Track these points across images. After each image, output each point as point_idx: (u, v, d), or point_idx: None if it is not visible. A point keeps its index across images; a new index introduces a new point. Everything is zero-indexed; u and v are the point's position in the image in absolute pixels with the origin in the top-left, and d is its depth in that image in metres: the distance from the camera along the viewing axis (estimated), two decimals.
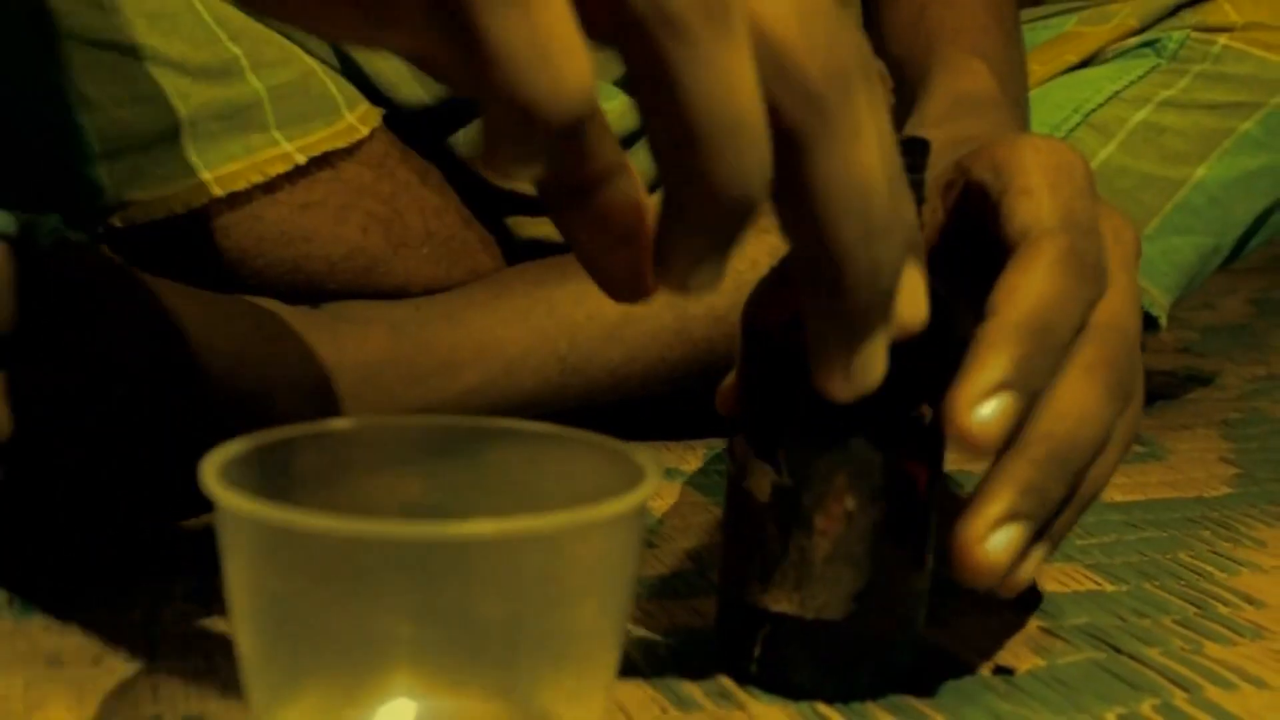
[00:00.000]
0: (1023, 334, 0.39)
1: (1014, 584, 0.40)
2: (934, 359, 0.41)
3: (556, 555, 0.32)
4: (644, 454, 0.35)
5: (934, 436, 0.42)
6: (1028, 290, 0.39)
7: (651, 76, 0.28)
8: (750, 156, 0.29)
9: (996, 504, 0.39)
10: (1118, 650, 0.47)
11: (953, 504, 0.60)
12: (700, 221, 0.30)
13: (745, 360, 0.42)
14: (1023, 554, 0.39)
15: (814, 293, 0.34)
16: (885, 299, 0.34)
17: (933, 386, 0.41)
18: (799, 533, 0.41)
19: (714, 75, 0.28)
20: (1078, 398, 0.40)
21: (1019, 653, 0.46)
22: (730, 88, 0.28)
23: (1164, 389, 0.99)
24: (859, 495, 0.40)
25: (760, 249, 0.62)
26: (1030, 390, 0.39)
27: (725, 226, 0.30)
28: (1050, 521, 0.41)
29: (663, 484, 0.66)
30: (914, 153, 0.41)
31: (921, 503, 0.41)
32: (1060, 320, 0.40)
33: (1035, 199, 0.42)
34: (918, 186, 0.41)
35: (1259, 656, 0.47)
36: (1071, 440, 0.40)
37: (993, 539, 0.38)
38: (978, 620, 0.49)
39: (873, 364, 0.35)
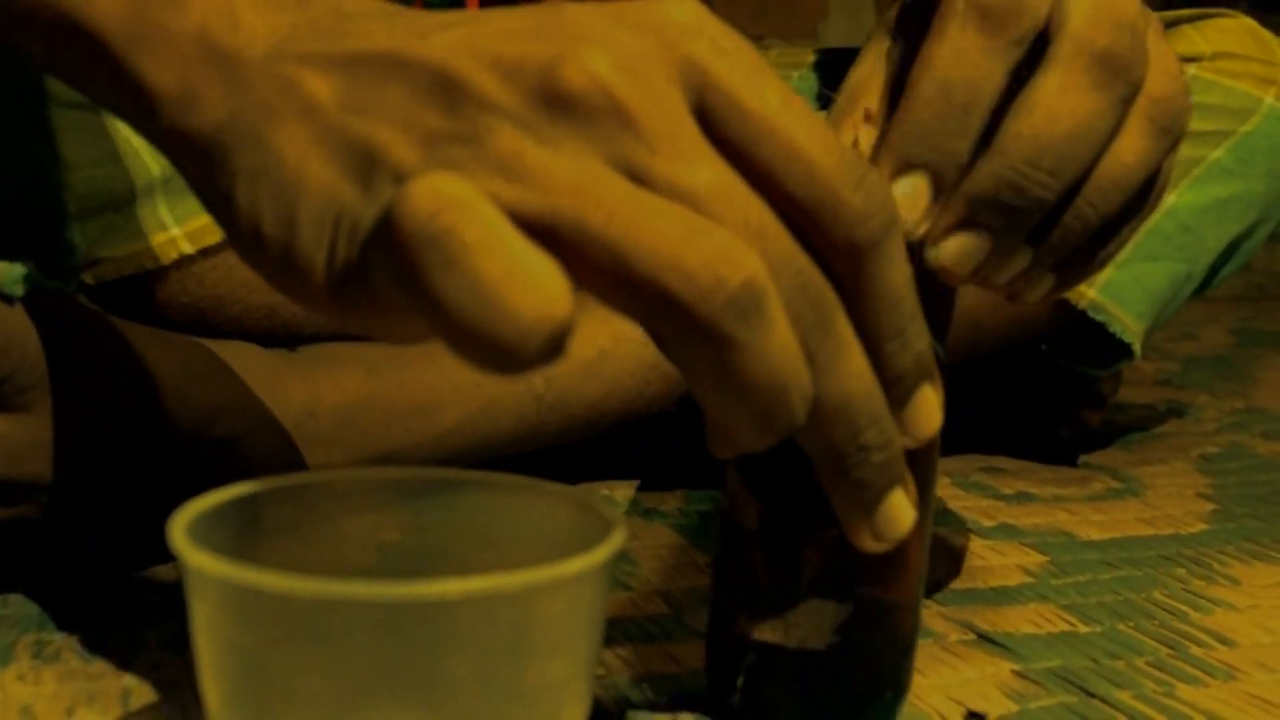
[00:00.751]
0: (928, 102, 0.39)
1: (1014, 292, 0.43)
2: None
3: (524, 613, 0.32)
4: (611, 507, 0.36)
5: (923, 470, 0.42)
6: (927, 62, 0.40)
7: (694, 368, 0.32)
8: (793, 408, 0.33)
9: (949, 213, 0.40)
10: (1090, 694, 0.47)
11: (942, 543, 0.61)
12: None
13: None
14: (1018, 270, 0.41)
15: (822, 471, 0.36)
16: (888, 473, 0.36)
17: None
18: (785, 563, 0.41)
19: (757, 366, 0.31)
20: (1049, 91, 0.39)
21: (991, 696, 0.47)
22: (775, 369, 0.31)
23: (1142, 423, 1.00)
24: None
25: None
26: (942, 170, 0.39)
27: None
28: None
29: (641, 525, 0.66)
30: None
31: (909, 537, 0.42)
32: (964, 77, 0.39)
33: (938, 23, 0.40)
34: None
35: (1230, 698, 0.48)
36: (1038, 141, 0.39)
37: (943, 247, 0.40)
38: (950, 664, 0.49)
39: (897, 518, 0.37)
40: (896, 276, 0.34)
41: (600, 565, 0.33)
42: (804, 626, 0.41)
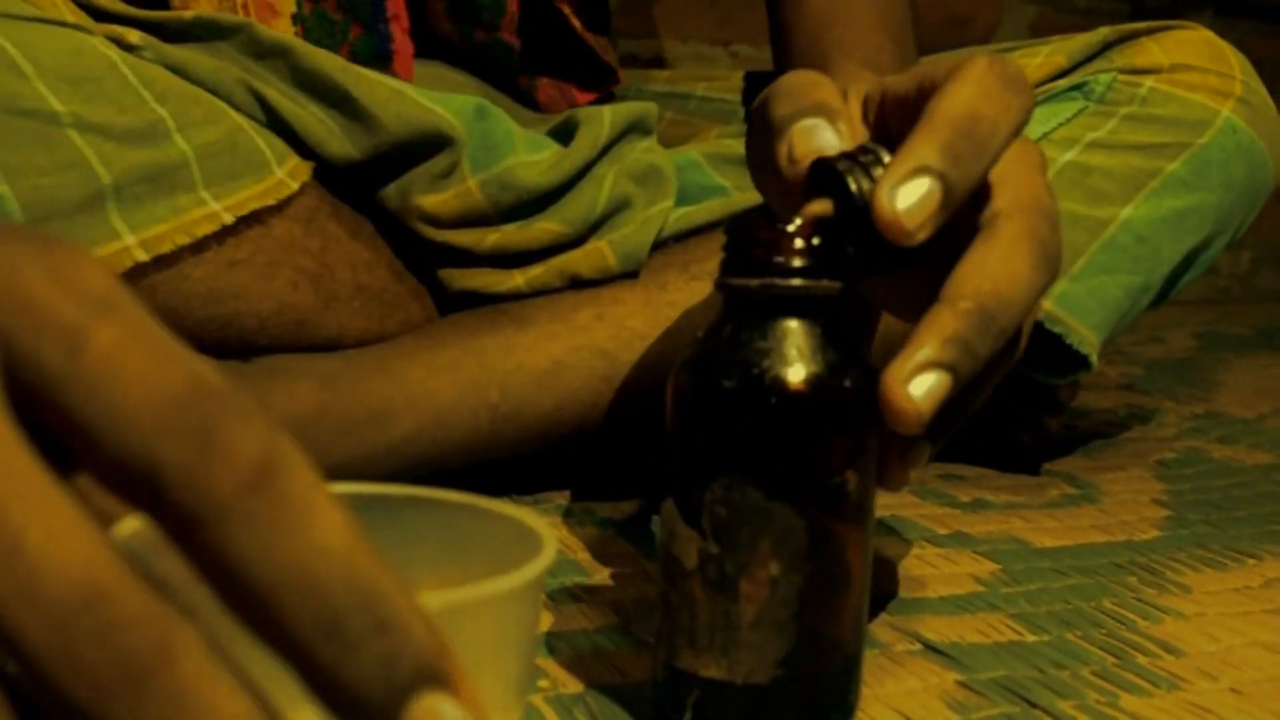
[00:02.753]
0: (948, 123, 0.42)
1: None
2: (853, 426, 0.41)
3: (450, 632, 0.32)
4: (548, 526, 0.36)
5: (861, 500, 0.42)
6: (953, 94, 0.43)
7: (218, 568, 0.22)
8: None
9: (919, 352, 0.40)
10: (1032, 704, 0.47)
11: (885, 567, 0.61)
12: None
13: (672, 425, 0.43)
14: (945, 405, 0.41)
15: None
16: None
17: (853, 452, 0.41)
18: (724, 598, 0.41)
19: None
20: (1007, 258, 0.42)
21: (934, 708, 0.47)
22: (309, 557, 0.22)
23: (1102, 428, 1.00)
24: (782, 561, 0.41)
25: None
26: (954, 182, 0.41)
27: None
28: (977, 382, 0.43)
29: (596, 535, 0.66)
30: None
31: (848, 567, 0.42)
32: (990, 114, 0.42)
33: (953, 58, 0.45)
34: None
35: (1172, 708, 0.48)
36: (998, 295, 0.42)
37: (915, 385, 0.40)
38: (895, 675, 0.49)
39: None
40: (287, 544, 0.22)
41: (526, 585, 0.33)
42: (747, 662, 0.41)
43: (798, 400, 0.40)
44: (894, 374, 0.40)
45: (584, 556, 0.62)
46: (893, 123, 0.48)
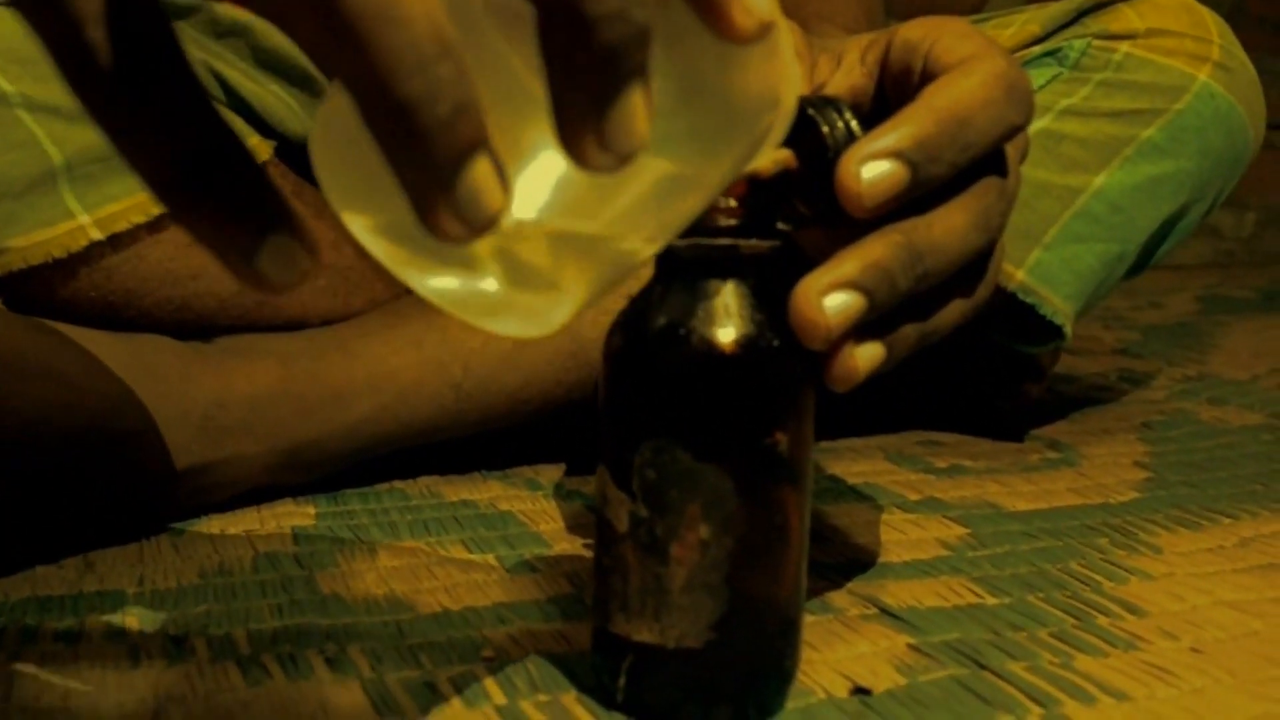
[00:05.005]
0: (937, 117, 0.41)
1: (844, 370, 0.41)
2: (784, 386, 0.41)
3: None
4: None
5: (795, 461, 0.42)
6: (954, 87, 0.42)
7: None
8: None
9: (841, 268, 0.40)
10: (982, 666, 0.47)
11: (849, 534, 0.61)
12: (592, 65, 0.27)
13: (604, 388, 0.42)
14: (856, 333, 0.41)
15: (551, 36, 0.27)
16: (634, 40, 0.27)
17: (784, 413, 0.41)
18: (655, 562, 0.41)
19: None
20: (950, 212, 0.42)
21: (881, 671, 0.46)
22: None
23: (1092, 393, 0.99)
24: (713, 524, 0.40)
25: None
26: (924, 175, 0.41)
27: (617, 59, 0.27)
28: (890, 323, 0.42)
29: (562, 506, 0.66)
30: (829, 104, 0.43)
31: (782, 529, 0.41)
32: (979, 121, 0.42)
33: (973, 40, 0.44)
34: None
35: (1127, 668, 0.47)
36: (931, 239, 0.42)
37: (829, 299, 0.40)
38: (845, 640, 0.49)
39: (629, 128, 0.28)
40: None
41: None
42: (680, 626, 0.41)
43: (724, 361, 0.40)
44: (808, 284, 0.40)
45: (547, 527, 0.62)
46: (889, 79, 0.48)
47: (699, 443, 0.40)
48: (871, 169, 0.40)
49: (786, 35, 0.33)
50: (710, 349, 0.40)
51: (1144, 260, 0.80)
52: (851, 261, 0.40)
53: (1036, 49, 0.79)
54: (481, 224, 0.27)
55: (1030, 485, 0.72)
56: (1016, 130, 0.43)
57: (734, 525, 0.40)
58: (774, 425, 0.41)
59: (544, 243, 0.33)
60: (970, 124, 0.42)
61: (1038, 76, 0.77)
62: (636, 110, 0.28)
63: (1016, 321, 0.76)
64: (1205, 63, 0.78)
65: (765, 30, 0.30)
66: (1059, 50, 0.78)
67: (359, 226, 0.31)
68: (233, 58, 0.68)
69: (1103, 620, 0.52)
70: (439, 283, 0.32)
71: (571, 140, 0.28)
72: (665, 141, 0.32)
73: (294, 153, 0.69)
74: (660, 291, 0.42)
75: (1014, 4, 0.94)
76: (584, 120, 0.27)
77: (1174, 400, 0.97)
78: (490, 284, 0.33)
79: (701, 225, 0.41)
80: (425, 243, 0.28)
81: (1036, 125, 0.75)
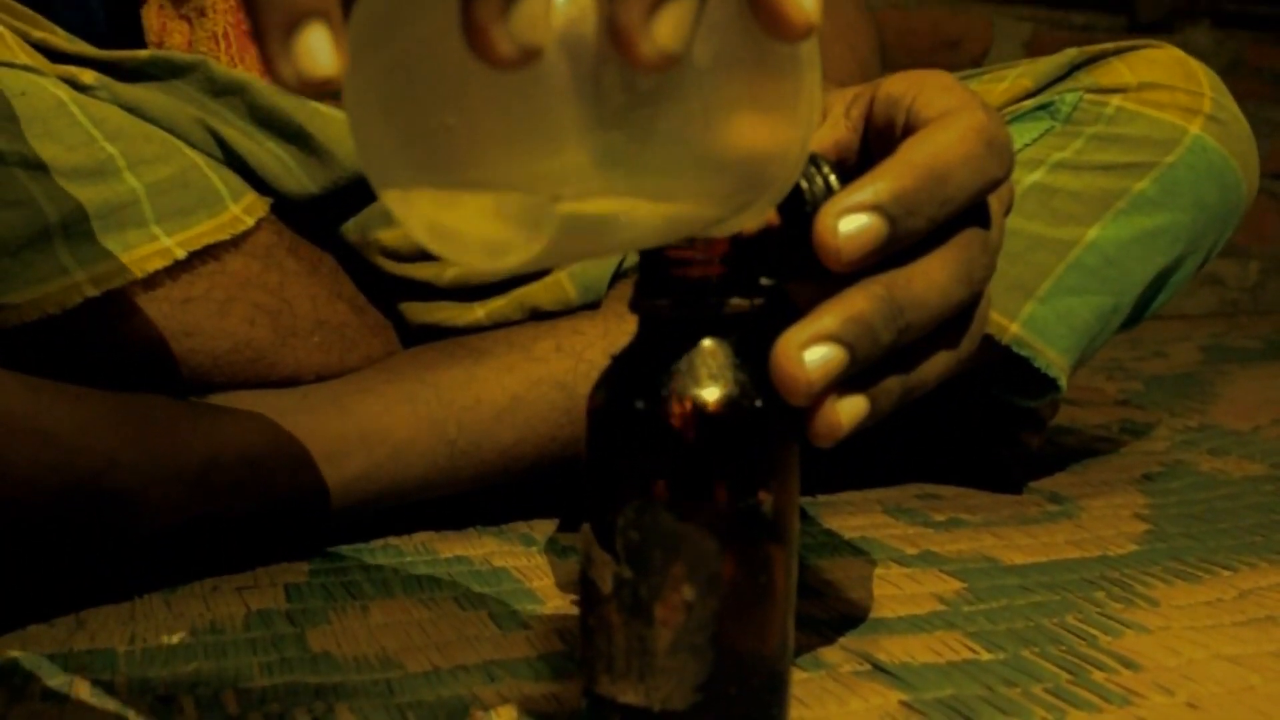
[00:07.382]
0: (915, 171, 0.41)
1: (827, 425, 0.41)
2: (766, 445, 0.41)
3: None
4: None
5: (780, 519, 0.41)
6: (932, 140, 0.42)
7: None
8: None
9: (820, 321, 0.40)
10: None
11: (843, 590, 0.60)
12: None
13: (588, 447, 0.42)
14: (838, 387, 0.41)
15: None
16: None
17: (767, 472, 0.41)
18: (640, 623, 0.40)
19: None
20: (931, 264, 0.42)
21: None
22: None
23: (1092, 444, 0.99)
24: (697, 585, 0.40)
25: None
26: (903, 229, 0.41)
27: None
28: (874, 376, 0.42)
29: (555, 562, 0.65)
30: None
31: (768, 588, 0.41)
32: (958, 175, 0.42)
33: (954, 93, 0.45)
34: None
35: None
36: (911, 291, 0.41)
37: (810, 353, 0.40)
38: (837, 697, 0.49)
39: (677, 28, 0.32)
40: None
41: None
42: (665, 688, 0.40)
43: (706, 421, 0.40)
44: (788, 339, 0.40)
45: (540, 584, 0.62)
46: (873, 132, 0.48)
47: (681, 503, 0.40)
48: (849, 223, 0.40)
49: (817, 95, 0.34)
50: (692, 409, 0.40)
51: (1139, 313, 0.80)
52: (831, 315, 0.40)
53: (1029, 103, 0.79)
54: (668, 53, 0.31)
55: (1028, 538, 0.72)
56: (997, 183, 0.44)
57: (718, 586, 0.40)
58: (757, 484, 0.41)
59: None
60: (949, 177, 0.42)
61: (1030, 130, 0.78)
62: (682, 19, 0.31)
63: (1012, 374, 0.76)
64: (1197, 115, 0.78)
65: (809, 31, 0.33)
66: (1051, 104, 0.78)
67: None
68: (230, 115, 0.68)
69: (1098, 675, 0.52)
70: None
71: (625, 45, 0.31)
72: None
73: (289, 210, 0.70)
74: (642, 350, 0.42)
75: (1012, 59, 0.95)
76: (633, 23, 0.31)
77: (1175, 451, 0.97)
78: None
79: (684, 283, 0.41)
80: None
81: (1029, 178, 0.76)
